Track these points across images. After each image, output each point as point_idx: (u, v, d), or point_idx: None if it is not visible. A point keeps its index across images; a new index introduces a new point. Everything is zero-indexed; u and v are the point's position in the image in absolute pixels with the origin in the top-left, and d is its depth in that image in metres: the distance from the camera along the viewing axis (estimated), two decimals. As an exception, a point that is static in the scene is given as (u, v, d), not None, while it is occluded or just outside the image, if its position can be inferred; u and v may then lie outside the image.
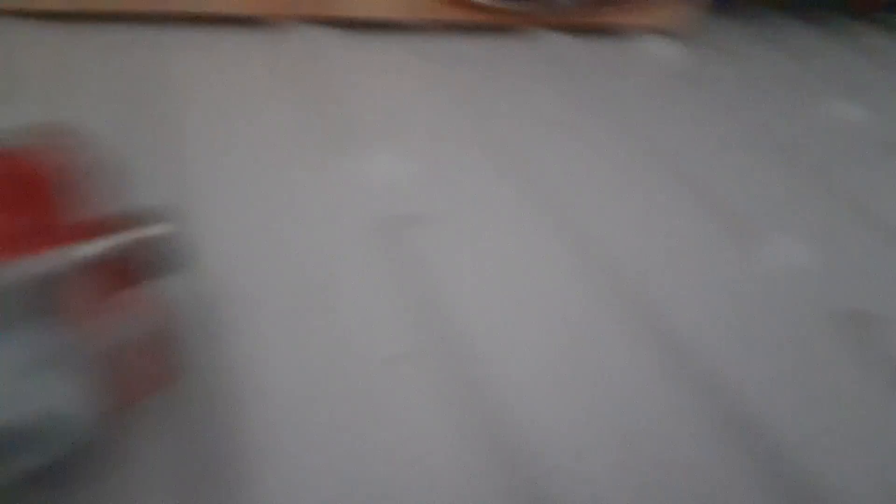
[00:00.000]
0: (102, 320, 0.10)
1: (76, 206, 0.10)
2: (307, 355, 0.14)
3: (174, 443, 0.12)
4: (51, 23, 0.22)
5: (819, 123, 0.26)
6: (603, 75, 0.27)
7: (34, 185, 0.10)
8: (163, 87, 0.21)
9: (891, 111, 0.27)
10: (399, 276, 0.16)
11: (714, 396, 0.14)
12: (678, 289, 0.17)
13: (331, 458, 0.12)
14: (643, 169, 0.21)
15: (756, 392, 0.14)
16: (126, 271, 0.10)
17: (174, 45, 0.23)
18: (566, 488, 0.12)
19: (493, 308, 0.15)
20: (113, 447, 0.11)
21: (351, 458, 0.12)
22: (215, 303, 0.14)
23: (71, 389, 0.09)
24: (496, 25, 0.28)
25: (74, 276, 0.09)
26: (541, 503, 0.12)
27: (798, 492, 0.13)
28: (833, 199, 0.21)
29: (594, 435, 0.13)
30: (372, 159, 0.19)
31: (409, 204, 0.18)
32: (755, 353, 0.15)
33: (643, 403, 0.14)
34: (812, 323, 0.16)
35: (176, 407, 0.12)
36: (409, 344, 0.14)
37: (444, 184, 0.19)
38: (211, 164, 0.18)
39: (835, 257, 0.18)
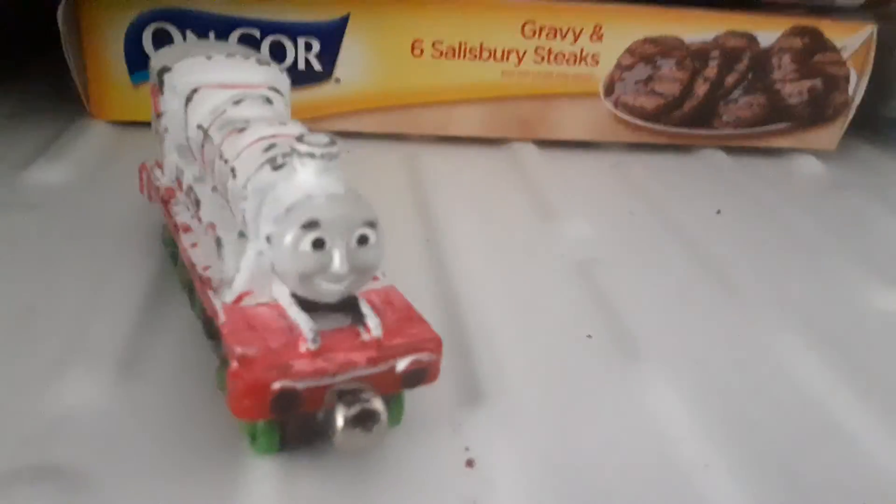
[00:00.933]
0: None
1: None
2: (527, 342, 0.21)
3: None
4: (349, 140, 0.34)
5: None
6: (753, 185, 0.33)
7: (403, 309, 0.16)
8: (421, 191, 0.30)
9: None
10: (586, 296, 0.23)
11: None
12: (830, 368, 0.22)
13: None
14: (779, 255, 0.28)
15: None
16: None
17: (426, 155, 0.33)
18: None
19: (650, 316, 0.22)
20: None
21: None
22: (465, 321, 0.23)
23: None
24: (669, 145, 0.36)
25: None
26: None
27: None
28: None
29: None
30: (569, 225, 0.27)
31: (595, 252, 0.26)
32: None
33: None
34: None
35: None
36: (592, 331, 0.22)
37: (619, 241, 0.27)
38: (456, 231, 0.27)
39: None
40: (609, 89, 0.34)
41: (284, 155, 0.16)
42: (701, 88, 0.35)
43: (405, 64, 0.32)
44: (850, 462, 0.18)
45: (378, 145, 0.33)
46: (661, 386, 0.19)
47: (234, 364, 0.14)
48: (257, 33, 0.31)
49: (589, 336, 0.21)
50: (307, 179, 0.15)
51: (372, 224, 0.15)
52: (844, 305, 0.24)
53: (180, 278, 0.21)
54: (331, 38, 0.31)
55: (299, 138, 0.15)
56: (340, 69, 0.32)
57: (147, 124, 0.23)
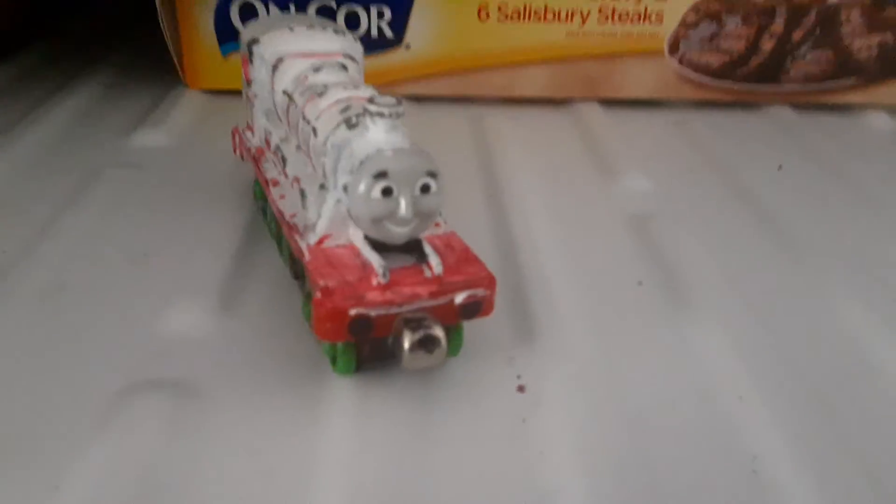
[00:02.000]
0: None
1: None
2: (580, 286, 0.23)
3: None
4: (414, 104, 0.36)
5: None
6: (820, 141, 0.34)
7: (462, 252, 0.18)
8: (485, 150, 0.32)
9: None
10: (641, 247, 0.25)
11: None
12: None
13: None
14: (841, 210, 0.28)
15: None
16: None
17: (492, 116, 0.35)
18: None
19: (703, 266, 0.24)
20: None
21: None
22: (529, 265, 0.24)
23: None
24: (735, 103, 0.36)
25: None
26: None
27: None
28: None
29: None
30: (629, 180, 0.29)
31: (653, 206, 0.27)
32: None
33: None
34: None
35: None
36: (644, 278, 0.23)
37: (678, 196, 0.28)
38: (517, 186, 0.29)
39: None
40: (674, 47, 0.35)
41: (358, 115, 0.18)
42: (767, 44, 0.35)
43: (472, 28, 0.34)
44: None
45: (446, 108, 0.35)
46: (708, 329, 0.21)
47: (318, 294, 0.16)
48: (333, 4, 0.33)
49: (640, 283, 0.23)
50: (377, 136, 0.17)
51: (433, 174, 0.17)
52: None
53: (270, 229, 0.23)
54: (401, 6, 0.33)
55: (370, 100, 0.17)
56: (410, 35, 0.34)
57: (234, 92, 0.26)
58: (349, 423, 0.17)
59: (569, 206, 0.27)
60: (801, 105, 0.36)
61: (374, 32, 0.34)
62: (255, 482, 0.15)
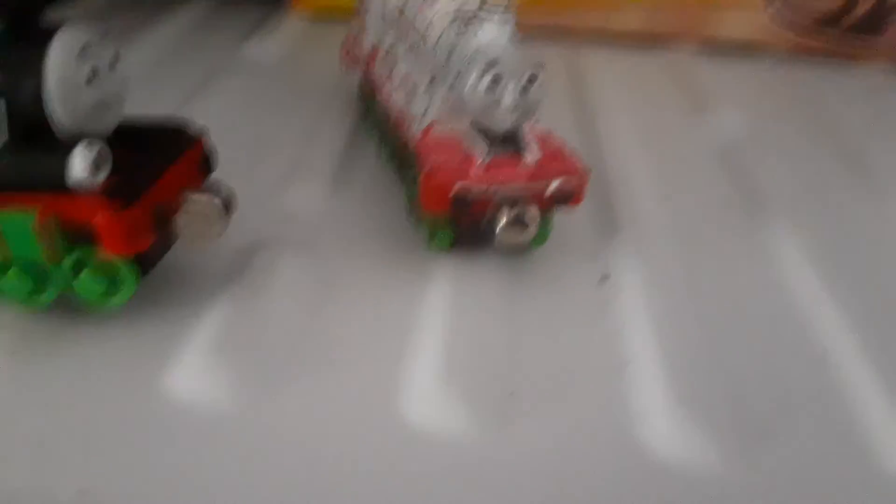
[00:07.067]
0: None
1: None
2: (664, 200, 0.24)
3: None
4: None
5: None
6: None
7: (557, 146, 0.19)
8: (579, 83, 0.33)
9: None
10: (727, 173, 0.26)
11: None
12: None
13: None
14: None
15: None
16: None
17: (587, 53, 0.36)
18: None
19: (786, 193, 0.24)
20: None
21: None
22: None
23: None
24: (834, 55, 0.36)
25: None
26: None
27: None
28: None
29: None
30: (720, 119, 0.29)
31: (742, 143, 0.28)
32: None
33: None
34: None
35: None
36: (727, 195, 0.24)
37: (768, 137, 0.28)
38: (615, 119, 0.30)
39: None
40: (775, -5, 0.35)
41: (469, 18, 0.20)
42: (873, -4, 0.34)
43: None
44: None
45: (540, 44, 0.36)
46: (785, 239, 0.22)
47: (426, 170, 0.18)
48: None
49: (724, 201, 0.24)
50: (489, 33, 0.19)
51: (539, 67, 0.18)
52: None
53: (373, 129, 0.25)
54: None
55: (482, 4, 0.19)
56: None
57: (333, 19, 0.28)
58: (446, 295, 0.19)
59: (660, 136, 0.28)
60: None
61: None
62: (367, 327, 0.17)
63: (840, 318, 0.19)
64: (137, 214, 0.15)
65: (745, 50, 0.37)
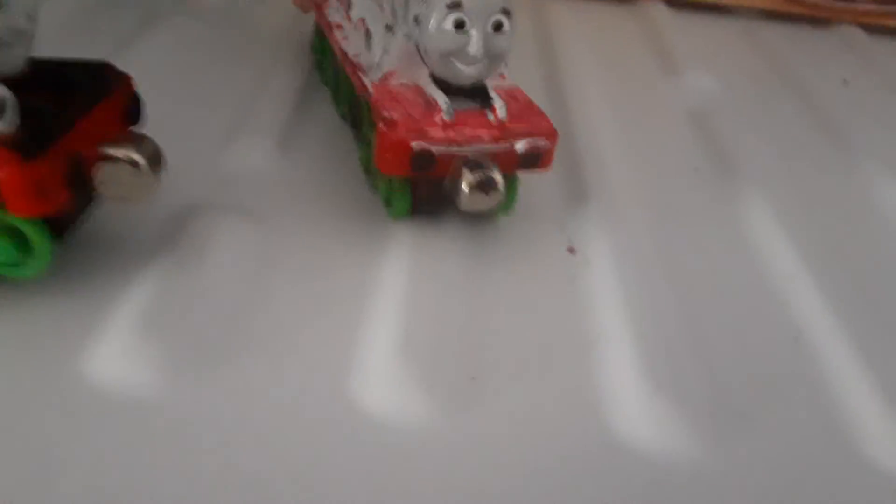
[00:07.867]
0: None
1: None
2: (634, 166, 0.22)
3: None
4: None
5: None
6: (889, 62, 0.32)
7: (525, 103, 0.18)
8: (545, 38, 0.31)
9: None
10: (699, 138, 0.24)
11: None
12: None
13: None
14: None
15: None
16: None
17: (554, 8, 0.34)
18: None
19: (757, 158, 0.23)
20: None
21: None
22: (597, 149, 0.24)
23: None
24: (805, 17, 0.35)
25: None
26: None
27: None
28: None
29: None
30: (691, 78, 0.28)
31: (714, 104, 0.26)
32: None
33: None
34: None
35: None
36: (698, 163, 0.23)
37: (740, 98, 0.27)
38: (582, 76, 0.28)
39: None
40: (749, -50, 0.33)
41: (432, -43, 0.18)
42: (850, -46, 0.33)
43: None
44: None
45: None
46: (758, 210, 0.20)
47: (381, 125, 0.16)
48: None
49: (696, 169, 0.22)
50: (452, -27, 0.17)
51: (507, 12, 0.16)
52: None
53: (326, 79, 0.23)
54: None
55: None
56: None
57: None
58: (403, 266, 0.17)
59: (629, 96, 0.27)
60: (873, 27, 0.35)
61: None
62: (315, 301, 0.16)
63: (814, 291, 0.18)
64: (46, 168, 0.13)
65: (718, 10, 0.35)
